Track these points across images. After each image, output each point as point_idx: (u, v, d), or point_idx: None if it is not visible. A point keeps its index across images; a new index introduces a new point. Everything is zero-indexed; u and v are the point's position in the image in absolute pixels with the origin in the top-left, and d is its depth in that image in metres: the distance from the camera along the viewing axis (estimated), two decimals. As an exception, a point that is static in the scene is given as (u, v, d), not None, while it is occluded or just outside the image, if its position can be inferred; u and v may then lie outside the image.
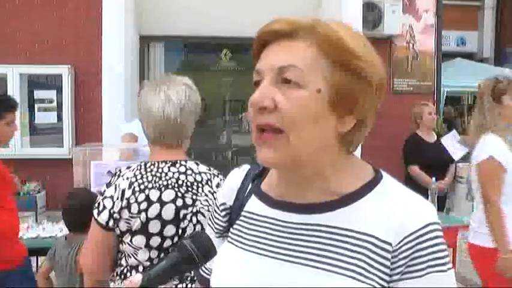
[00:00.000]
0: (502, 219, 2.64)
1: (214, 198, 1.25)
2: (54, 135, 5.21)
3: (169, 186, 1.65)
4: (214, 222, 1.05)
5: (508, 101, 2.77)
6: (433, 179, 4.22)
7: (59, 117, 5.17)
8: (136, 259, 1.64)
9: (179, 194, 1.65)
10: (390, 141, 4.98)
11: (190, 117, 1.72)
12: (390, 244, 0.82)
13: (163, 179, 1.65)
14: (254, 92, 0.86)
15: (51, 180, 5.00)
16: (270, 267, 0.88)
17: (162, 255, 1.62)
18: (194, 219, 1.66)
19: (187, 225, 1.65)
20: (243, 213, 0.98)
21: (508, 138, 2.76)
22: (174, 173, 1.67)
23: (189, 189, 1.67)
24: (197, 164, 1.74)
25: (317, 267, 0.84)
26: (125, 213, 1.62)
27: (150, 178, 1.64)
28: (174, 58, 6.83)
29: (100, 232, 1.65)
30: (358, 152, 0.95)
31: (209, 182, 1.70)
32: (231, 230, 0.99)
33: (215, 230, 1.04)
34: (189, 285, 1.63)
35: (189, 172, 1.69)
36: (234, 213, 1.00)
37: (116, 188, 1.64)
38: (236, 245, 0.95)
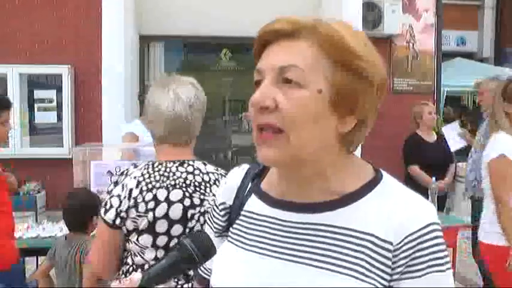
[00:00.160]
0: None
1: None
2: (54, 135, 5.22)
3: (177, 186, 1.65)
4: (214, 221, 1.05)
5: None
6: (433, 178, 4.21)
7: (59, 117, 5.18)
8: (142, 258, 1.64)
9: (187, 194, 1.65)
10: (390, 141, 4.98)
11: (199, 115, 1.73)
12: (391, 243, 0.82)
13: (171, 178, 1.65)
14: (255, 91, 0.85)
15: (51, 180, 5.01)
16: (272, 267, 0.88)
17: None
18: (202, 219, 1.65)
19: (195, 225, 1.65)
20: (242, 212, 0.98)
21: None
22: (182, 172, 1.67)
23: (197, 189, 1.67)
24: (205, 164, 1.74)
25: (320, 267, 0.84)
26: (132, 212, 1.62)
27: (157, 177, 1.65)
28: (174, 58, 6.83)
29: (106, 230, 1.66)
30: (358, 152, 0.95)
31: (217, 182, 1.70)
32: (231, 229, 0.99)
33: (214, 230, 1.04)
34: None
35: (196, 172, 1.69)
36: (233, 212, 1.00)
37: (123, 187, 1.65)
38: (236, 245, 0.95)
